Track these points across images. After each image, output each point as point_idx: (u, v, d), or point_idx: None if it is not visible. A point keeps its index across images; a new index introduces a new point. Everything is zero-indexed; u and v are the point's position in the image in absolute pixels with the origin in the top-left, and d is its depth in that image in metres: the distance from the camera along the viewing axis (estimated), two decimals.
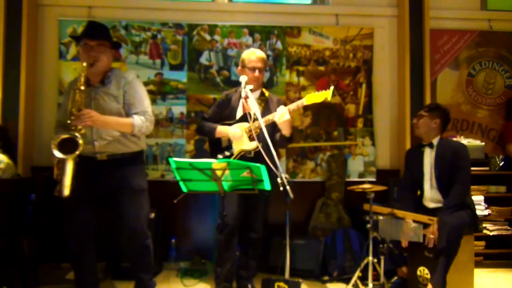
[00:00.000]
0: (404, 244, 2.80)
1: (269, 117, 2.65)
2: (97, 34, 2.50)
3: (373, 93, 4.05)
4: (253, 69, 2.79)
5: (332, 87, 2.59)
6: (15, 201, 2.90)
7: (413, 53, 3.94)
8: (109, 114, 2.44)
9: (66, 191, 2.29)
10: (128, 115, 2.51)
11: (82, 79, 2.37)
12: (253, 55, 2.83)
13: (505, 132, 4.05)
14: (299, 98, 3.90)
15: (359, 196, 3.11)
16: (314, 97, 2.61)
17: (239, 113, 2.83)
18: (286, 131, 2.67)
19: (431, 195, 2.95)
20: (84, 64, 2.38)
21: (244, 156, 2.72)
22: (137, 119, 2.48)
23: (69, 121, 2.32)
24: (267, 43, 3.96)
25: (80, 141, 2.28)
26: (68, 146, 2.27)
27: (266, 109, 2.79)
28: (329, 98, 2.58)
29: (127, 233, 2.56)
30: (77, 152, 2.28)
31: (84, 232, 2.50)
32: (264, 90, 2.93)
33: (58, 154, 2.26)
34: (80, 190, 2.34)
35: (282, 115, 2.58)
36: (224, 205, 2.70)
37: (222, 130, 2.81)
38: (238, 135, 2.73)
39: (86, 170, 2.41)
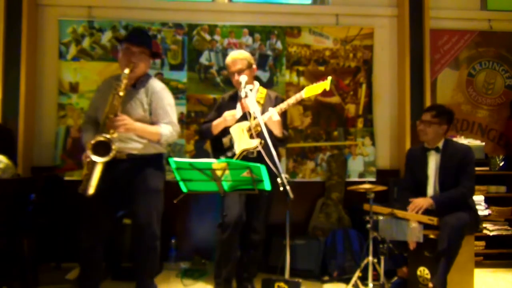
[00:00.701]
0: (412, 246, 2.77)
1: (258, 122, 2.49)
2: (141, 41, 2.54)
3: (373, 93, 4.04)
4: (232, 73, 2.78)
5: (329, 77, 2.56)
6: (15, 201, 2.90)
7: (413, 53, 3.94)
8: (134, 118, 2.48)
9: (91, 191, 2.33)
10: (154, 123, 2.55)
11: (123, 86, 2.39)
12: (229, 59, 2.80)
13: (507, 133, 4.04)
14: None
15: (359, 196, 3.11)
16: (313, 89, 2.59)
17: (238, 113, 2.81)
18: (276, 131, 2.65)
19: None
20: (126, 71, 2.40)
21: (247, 156, 2.70)
22: (165, 129, 2.53)
23: (104, 124, 2.36)
24: (267, 43, 3.96)
25: (114, 146, 2.31)
26: (101, 148, 2.31)
27: (264, 108, 2.77)
28: (327, 89, 2.56)
29: (137, 232, 2.57)
30: (108, 157, 2.31)
31: (99, 229, 2.51)
32: (260, 88, 2.90)
33: (93, 156, 2.29)
34: (98, 187, 2.36)
35: (271, 116, 2.57)
36: (226, 205, 2.70)
37: (216, 121, 2.79)
38: (232, 114, 2.71)
39: (105, 169, 2.41)
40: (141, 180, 2.52)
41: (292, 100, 2.64)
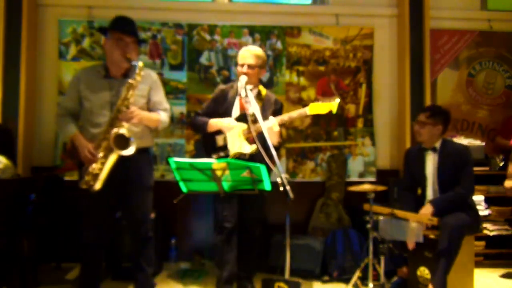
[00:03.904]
0: (411, 246, 2.76)
1: (258, 125, 2.47)
2: (133, 31, 2.54)
3: (373, 93, 4.04)
4: (241, 65, 2.78)
5: (338, 99, 2.56)
6: (15, 201, 2.90)
7: (413, 53, 3.93)
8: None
9: (98, 185, 2.33)
10: (152, 111, 2.60)
11: (139, 79, 2.39)
12: (246, 51, 2.81)
13: (502, 128, 4.03)
14: (299, 98, 3.95)
15: (359, 196, 3.10)
16: (318, 107, 2.57)
17: (235, 111, 2.81)
18: (273, 140, 2.60)
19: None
20: (141, 64, 2.40)
21: (239, 158, 2.69)
22: (163, 116, 2.61)
23: (116, 117, 2.36)
24: (267, 43, 3.96)
25: (133, 143, 2.34)
26: (119, 141, 2.32)
27: (263, 109, 2.77)
28: (334, 111, 2.55)
29: (132, 224, 2.60)
30: (130, 150, 2.33)
31: (101, 226, 2.52)
32: (261, 88, 2.89)
33: (116, 149, 2.30)
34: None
35: (272, 127, 2.57)
36: (222, 206, 2.71)
37: (214, 122, 2.78)
38: (231, 126, 2.71)
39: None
40: (136, 177, 2.53)
41: (294, 114, 2.66)
